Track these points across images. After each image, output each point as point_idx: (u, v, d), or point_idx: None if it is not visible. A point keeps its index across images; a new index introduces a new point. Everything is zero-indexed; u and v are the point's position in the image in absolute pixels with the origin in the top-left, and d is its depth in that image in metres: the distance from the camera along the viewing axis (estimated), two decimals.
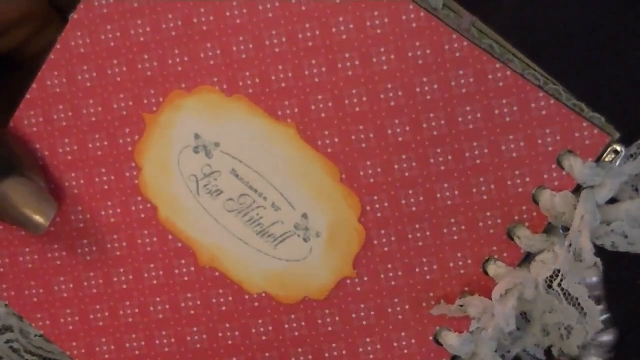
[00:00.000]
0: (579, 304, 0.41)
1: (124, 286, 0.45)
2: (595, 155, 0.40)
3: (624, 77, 0.55)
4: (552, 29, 0.56)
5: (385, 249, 0.43)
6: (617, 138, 0.41)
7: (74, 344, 0.46)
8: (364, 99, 0.42)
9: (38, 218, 0.43)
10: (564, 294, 0.41)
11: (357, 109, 0.42)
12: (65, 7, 0.46)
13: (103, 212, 0.45)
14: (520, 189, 0.41)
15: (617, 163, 0.41)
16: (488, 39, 0.42)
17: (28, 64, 0.48)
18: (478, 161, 0.41)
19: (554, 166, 0.41)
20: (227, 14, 0.43)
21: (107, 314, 0.46)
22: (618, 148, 0.41)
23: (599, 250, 0.42)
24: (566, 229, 0.41)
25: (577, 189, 0.41)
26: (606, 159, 0.41)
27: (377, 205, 0.42)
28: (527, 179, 0.41)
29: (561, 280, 0.41)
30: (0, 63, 0.48)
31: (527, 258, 0.42)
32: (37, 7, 0.47)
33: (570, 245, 0.40)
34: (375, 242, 0.43)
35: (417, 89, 0.41)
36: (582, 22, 0.56)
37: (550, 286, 0.41)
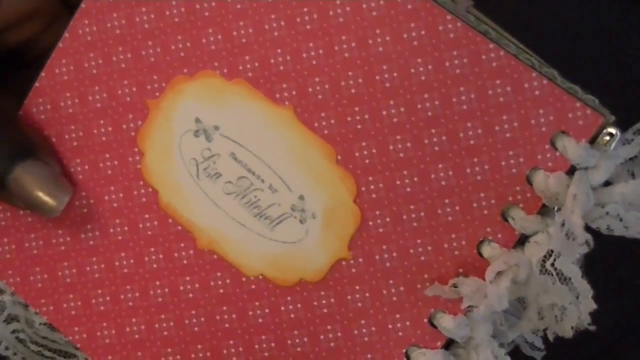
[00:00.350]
0: (572, 284, 0.41)
1: (125, 270, 0.46)
2: (589, 137, 0.41)
3: (624, 77, 0.55)
4: (552, 29, 0.56)
5: (381, 230, 0.43)
6: (612, 121, 0.41)
7: (76, 329, 0.47)
8: (360, 80, 0.42)
9: (51, 201, 0.44)
10: (557, 274, 0.41)
11: (353, 90, 0.43)
12: (74, 3, 0.47)
13: (106, 197, 0.46)
14: (514, 170, 0.41)
15: (613, 146, 0.41)
16: (484, 25, 0.43)
17: (37, 61, 0.49)
18: (472, 142, 0.42)
19: (547, 147, 0.41)
20: None
21: (108, 298, 0.46)
22: (613, 131, 0.41)
23: (599, 246, 0.42)
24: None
25: (572, 171, 0.41)
26: (601, 142, 0.41)
27: (372, 187, 0.43)
28: (521, 160, 0.41)
29: (554, 260, 0.41)
30: (10, 60, 0.50)
31: (523, 240, 0.42)
32: (47, 2, 0.48)
33: (563, 224, 0.40)
34: (370, 223, 0.43)
35: (412, 70, 0.42)
36: (582, 22, 0.56)
37: (544, 267, 0.41)
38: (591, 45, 0.56)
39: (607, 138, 0.41)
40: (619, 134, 0.41)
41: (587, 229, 0.42)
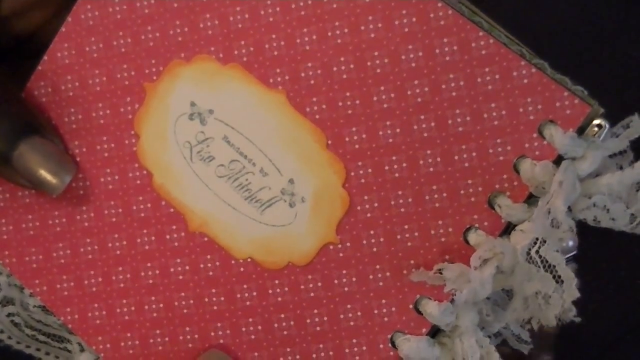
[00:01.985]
0: (556, 272, 0.41)
1: (118, 252, 0.47)
2: (576, 126, 0.41)
3: (624, 77, 0.55)
4: (552, 29, 0.57)
5: (368, 215, 0.43)
6: (600, 113, 0.41)
7: (68, 309, 0.48)
8: (352, 66, 0.43)
9: (54, 180, 0.44)
10: (542, 262, 0.41)
11: (344, 76, 0.43)
12: None
13: (102, 179, 0.47)
14: (501, 158, 0.42)
15: (601, 138, 0.41)
16: (477, 16, 0.43)
17: (44, 50, 0.49)
18: (460, 129, 0.42)
19: (535, 136, 0.41)
20: None
21: (100, 279, 0.47)
22: (601, 123, 0.41)
23: (599, 246, 0.42)
24: None
25: (559, 161, 0.41)
26: (590, 133, 0.41)
27: (361, 172, 0.43)
28: (509, 148, 0.42)
29: (539, 248, 0.41)
30: (18, 48, 0.50)
31: (509, 229, 0.42)
32: None
33: (548, 212, 0.40)
34: (358, 208, 0.43)
35: (403, 57, 0.42)
36: (582, 22, 0.57)
37: (529, 255, 0.41)
38: (591, 45, 0.56)
39: (596, 129, 0.41)
40: (607, 125, 0.41)
41: (578, 222, 0.42)
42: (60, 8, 0.49)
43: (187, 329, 0.46)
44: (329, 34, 0.43)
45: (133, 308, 0.47)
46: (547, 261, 0.41)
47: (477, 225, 0.42)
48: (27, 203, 0.48)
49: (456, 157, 0.42)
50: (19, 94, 0.48)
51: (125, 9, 0.46)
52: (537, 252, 0.41)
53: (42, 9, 0.49)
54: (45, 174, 0.44)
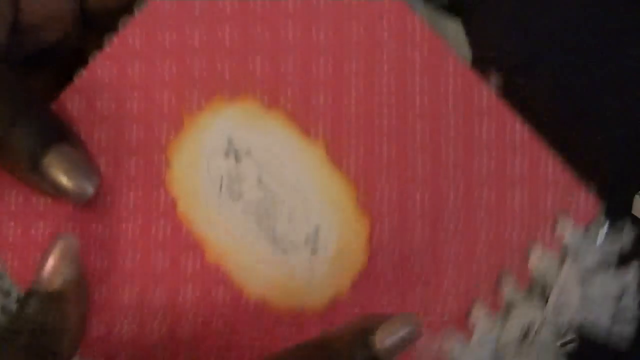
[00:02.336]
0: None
1: (127, 269, 0.47)
2: (586, 223, 0.45)
3: (624, 77, 0.57)
4: (552, 29, 0.58)
5: (385, 273, 0.46)
6: (601, 213, 0.45)
7: None
8: (393, 121, 0.46)
9: (79, 190, 0.45)
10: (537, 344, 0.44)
11: (384, 138, 0.46)
12: (96, 16, 0.50)
13: (124, 199, 0.47)
14: (514, 242, 0.45)
15: (601, 237, 0.45)
16: None
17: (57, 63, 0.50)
18: (483, 205, 0.45)
19: (549, 226, 0.45)
20: (282, 32, 0.47)
21: (103, 295, 0.47)
22: (603, 225, 0.45)
23: None
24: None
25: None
26: (591, 233, 0.45)
27: (386, 230, 0.46)
28: (523, 233, 0.45)
29: (536, 331, 0.44)
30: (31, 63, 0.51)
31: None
32: (66, 11, 0.50)
33: (552, 298, 0.44)
34: (377, 265, 0.46)
35: (444, 129, 0.45)
36: (582, 22, 0.58)
37: (526, 336, 0.44)
38: (591, 45, 0.58)
39: (597, 230, 0.45)
40: (607, 227, 0.45)
41: None
42: (71, 27, 0.50)
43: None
44: (375, 89, 0.46)
45: (134, 326, 0.47)
46: (541, 343, 0.44)
47: (482, 298, 0.45)
48: (41, 210, 0.48)
49: (473, 232, 0.45)
50: (47, 103, 0.48)
51: (174, 39, 0.47)
52: (535, 333, 0.44)
53: (53, 28, 0.50)
54: (70, 183, 0.45)
